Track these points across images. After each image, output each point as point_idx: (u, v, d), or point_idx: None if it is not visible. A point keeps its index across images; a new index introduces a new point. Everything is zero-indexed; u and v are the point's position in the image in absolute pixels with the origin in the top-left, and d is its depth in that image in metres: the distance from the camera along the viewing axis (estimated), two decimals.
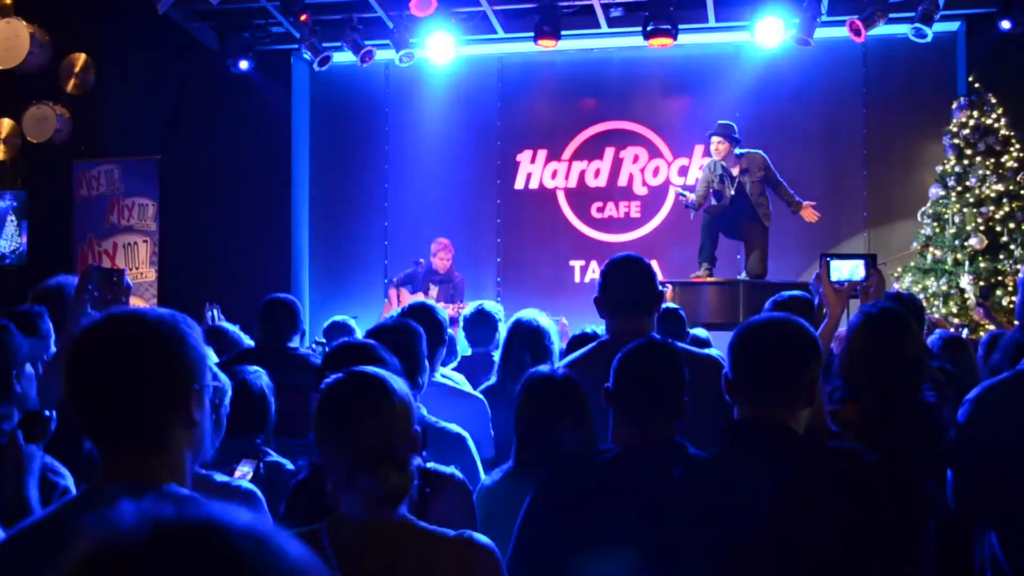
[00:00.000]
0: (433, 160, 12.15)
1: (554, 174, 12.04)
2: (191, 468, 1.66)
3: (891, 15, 10.05)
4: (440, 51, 10.91)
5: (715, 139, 8.66)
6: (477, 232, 12.00)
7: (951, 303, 9.66)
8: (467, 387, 4.15)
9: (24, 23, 10.68)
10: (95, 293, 2.91)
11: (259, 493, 2.34)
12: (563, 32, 10.54)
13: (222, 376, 2.85)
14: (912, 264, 10.11)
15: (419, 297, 9.14)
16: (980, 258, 9.68)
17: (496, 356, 4.49)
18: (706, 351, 3.69)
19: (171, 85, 11.53)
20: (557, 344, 4.40)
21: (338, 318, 6.47)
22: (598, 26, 11.04)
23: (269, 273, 11.21)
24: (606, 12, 10.82)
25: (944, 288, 9.74)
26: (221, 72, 11.30)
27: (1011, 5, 9.89)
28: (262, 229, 11.61)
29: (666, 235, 11.30)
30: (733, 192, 8.57)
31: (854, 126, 11.40)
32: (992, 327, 8.00)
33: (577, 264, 11.87)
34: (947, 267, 9.82)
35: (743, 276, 8.83)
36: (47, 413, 2.23)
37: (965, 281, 9.63)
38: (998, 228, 9.70)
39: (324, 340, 6.49)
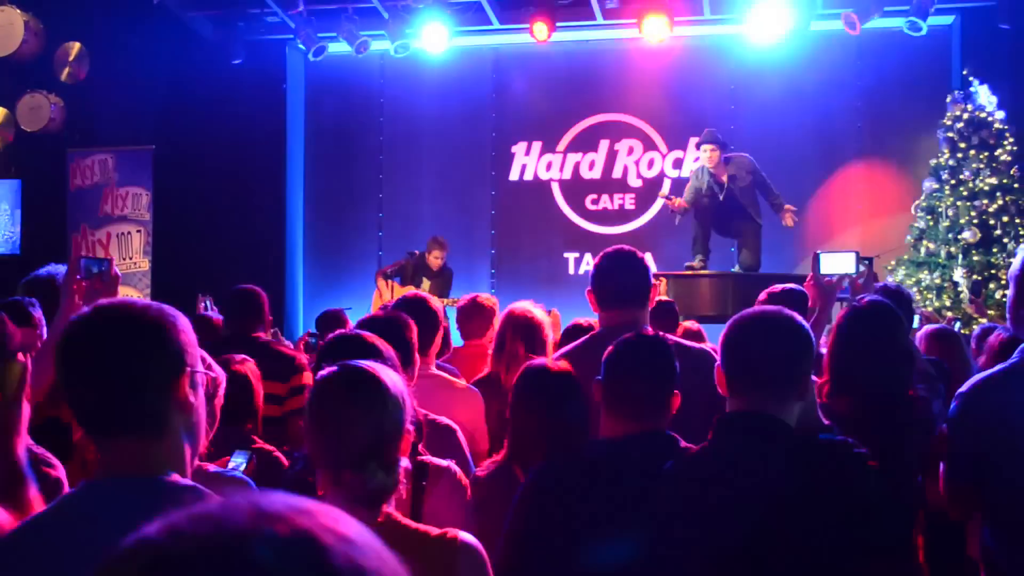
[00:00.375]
0: (428, 151, 12.14)
1: (549, 166, 12.04)
2: (192, 457, 1.64)
3: (886, 8, 10.06)
4: (435, 41, 10.90)
5: (707, 147, 8.58)
6: (471, 223, 12.01)
7: (944, 296, 9.68)
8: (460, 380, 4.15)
9: (18, 11, 10.63)
10: (83, 283, 2.91)
11: (252, 484, 2.34)
12: (558, 24, 10.52)
13: (217, 367, 2.85)
14: (906, 257, 10.13)
15: (410, 289, 9.12)
16: (973, 251, 9.69)
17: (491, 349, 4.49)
18: (698, 344, 3.70)
19: (165, 74, 11.49)
20: (550, 336, 4.40)
21: (330, 309, 6.47)
22: (593, 18, 11.03)
23: (263, 263, 11.19)
24: (601, 3, 10.80)
25: (937, 281, 9.76)
26: (216, 62, 11.27)
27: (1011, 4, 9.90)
28: (256, 219, 11.60)
29: (660, 227, 11.30)
30: (722, 198, 8.55)
31: (848, 118, 11.40)
32: (984, 321, 8.01)
33: (571, 256, 11.87)
34: (940, 260, 9.83)
35: (736, 269, 8.83)
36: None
37: (958, 274, 9.65)
38: (991, 221, 9.71)
39: (317, 332, 6.48)
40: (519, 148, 12.09)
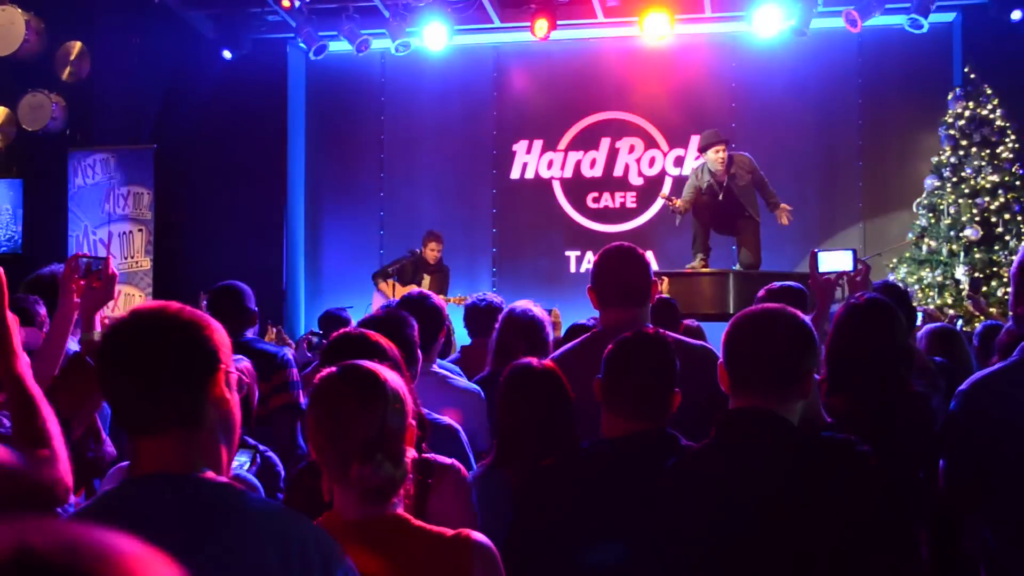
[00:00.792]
0: (429, 150, 12.14)
1: (550, 164, 12.03)
2: (229, 455, 1.69)
3: (887, 5, 10.05)
4: (436, 40, 10.90)
5: (719, 148, 8.43)
6: (473, 222, 12.00)
7: (946, 294, 9.68)
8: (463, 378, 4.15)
9: (19, 10, 10.64)
10: (81, 282, 2.92)
11: (259, 483, 2.35)
12: (559, 22, 10.52)
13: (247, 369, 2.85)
14: (907, 255, 10.12)
15: (412, 288, 9.11)
16: (975, 249, 9.69)
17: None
18: (699, 341, 3.70)
19: (166, 74, 11.50)
20: (551, 335, 4.40)
21: (332, 309, 6.47)
22: (594, 16, 11.03)
23: (264, 262, 11.21)
24: (602, 1, 10.80)
25: (939, 279, 9.76)
26: (217, 61, 11.28)
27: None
28: (257, 218, 11.61)
29: (661, 225, 11.29)
30: (721, 197, 8.54)
31: (850, 116, 11.39)
32: (984, 318, 8.02)
33: (573, 254, 11.87)
34: (942, 258, 9.83)
35: (736, 267, 8.82)
36: None
37: (960, 272, 9.65)
38: (993, 219, 9.71)
39: (320, 331, 6.49)
40: (520, 146, 12.09)
